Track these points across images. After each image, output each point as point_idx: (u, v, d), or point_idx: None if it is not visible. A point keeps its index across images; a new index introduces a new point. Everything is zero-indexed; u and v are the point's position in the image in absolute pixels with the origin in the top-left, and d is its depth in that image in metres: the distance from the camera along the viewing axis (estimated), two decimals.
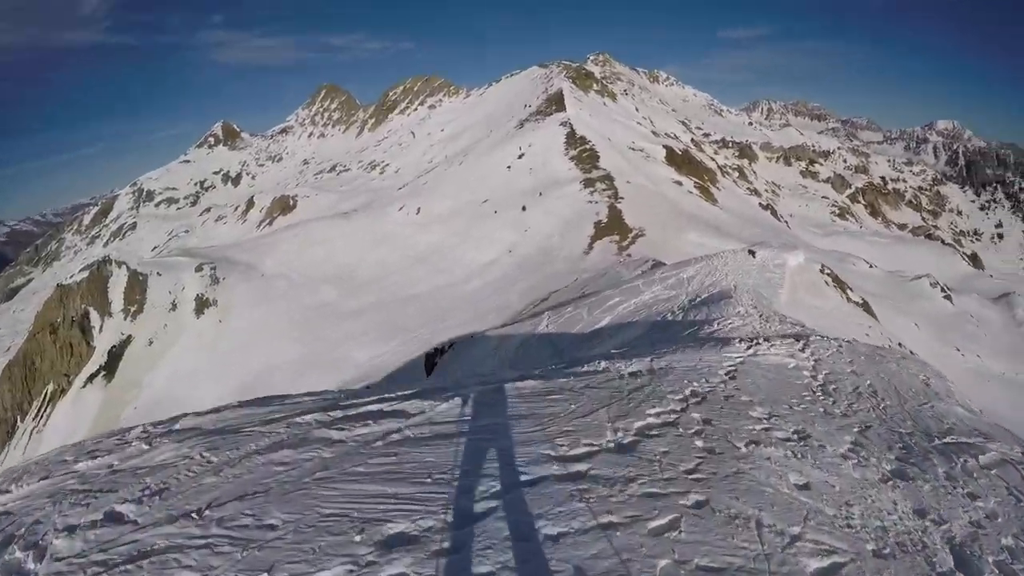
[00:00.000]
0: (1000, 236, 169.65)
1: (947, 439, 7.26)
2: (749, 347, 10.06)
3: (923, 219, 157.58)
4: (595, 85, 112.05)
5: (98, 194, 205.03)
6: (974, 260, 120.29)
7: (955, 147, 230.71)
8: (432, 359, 26.25)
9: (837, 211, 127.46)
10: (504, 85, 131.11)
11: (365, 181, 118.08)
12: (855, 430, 6.86)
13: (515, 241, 54.15)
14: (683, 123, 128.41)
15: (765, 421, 6.45)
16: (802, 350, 10.64)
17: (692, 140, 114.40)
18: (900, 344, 32.97)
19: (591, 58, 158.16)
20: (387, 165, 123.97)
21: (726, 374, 8.17)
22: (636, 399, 6.55)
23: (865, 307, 35.30)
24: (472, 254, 55.45)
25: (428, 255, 58.83)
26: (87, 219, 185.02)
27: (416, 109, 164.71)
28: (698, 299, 22.42)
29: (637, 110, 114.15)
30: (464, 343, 26.77)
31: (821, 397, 7.93)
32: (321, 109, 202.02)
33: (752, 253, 30.18)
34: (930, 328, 55.66)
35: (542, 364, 19.81)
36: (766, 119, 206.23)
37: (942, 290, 67.13)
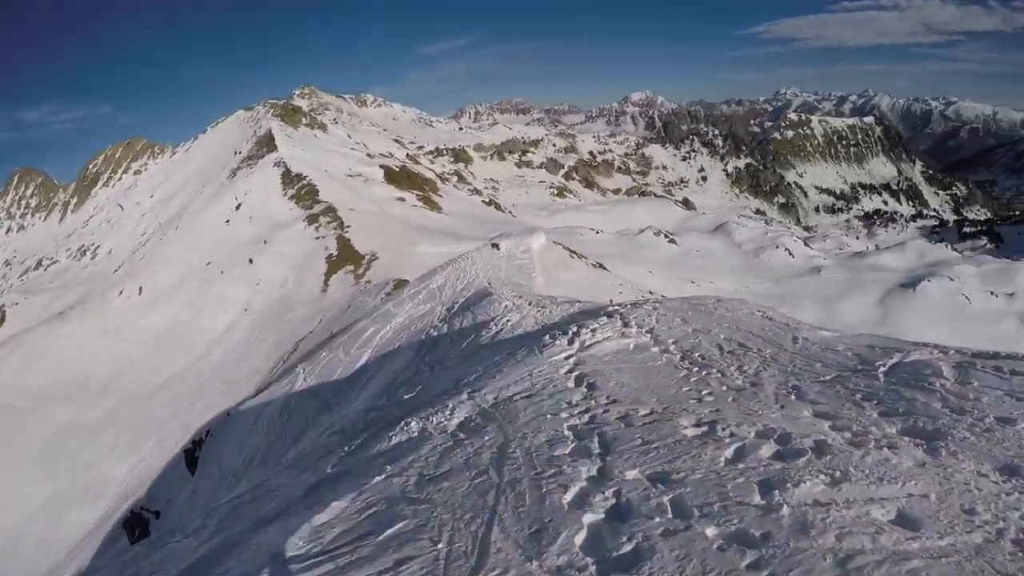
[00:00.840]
0: (704, 179, 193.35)
1: (870, 364, 6.71)
2: (570, 340, 9.00)
3: (634, 180, 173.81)
4: (304, 119, 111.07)
5: None
6: (687, 204, 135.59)
7: (651, 113, 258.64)
8: (192, 455, 24.22)
9: (556, 191, 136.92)
10: (211, 136, 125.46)
11: (77, 271, 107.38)
12: (785, 394, 5.90)
13: (249, 298, 52.08)
14: (396, 141, 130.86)
15: (693, 427, 5.05)
16: (627, 325, 9.85)
17: (407, 155, 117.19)
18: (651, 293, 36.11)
19: (297, 92, 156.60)
20: (98, 247, 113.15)
21: (577, 383, 6.94)
22: (518, 477, 4.48)
23: (601, 267, 38.55)
24: (208, 323, 52.50)
25: (163, 336, 54.65)
26: None
27: (120, 178, 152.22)
28: (456, 306, 22.04)
29: (349, 136, 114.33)
30: (220, 426, 24.98)
31: (701, 372, 7.02)
32: (16, 198, 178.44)
33: (496, 246, 30.86)
34: (664, 270, 61.43)
35: (313, 422, 19.09)
36: (475, 122, 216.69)
37: (665, 236, 74.89)
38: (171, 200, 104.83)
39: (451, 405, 6.93)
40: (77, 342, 59.27)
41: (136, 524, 23.40)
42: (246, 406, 25.57)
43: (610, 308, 12.53)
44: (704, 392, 6.19)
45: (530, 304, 17.43)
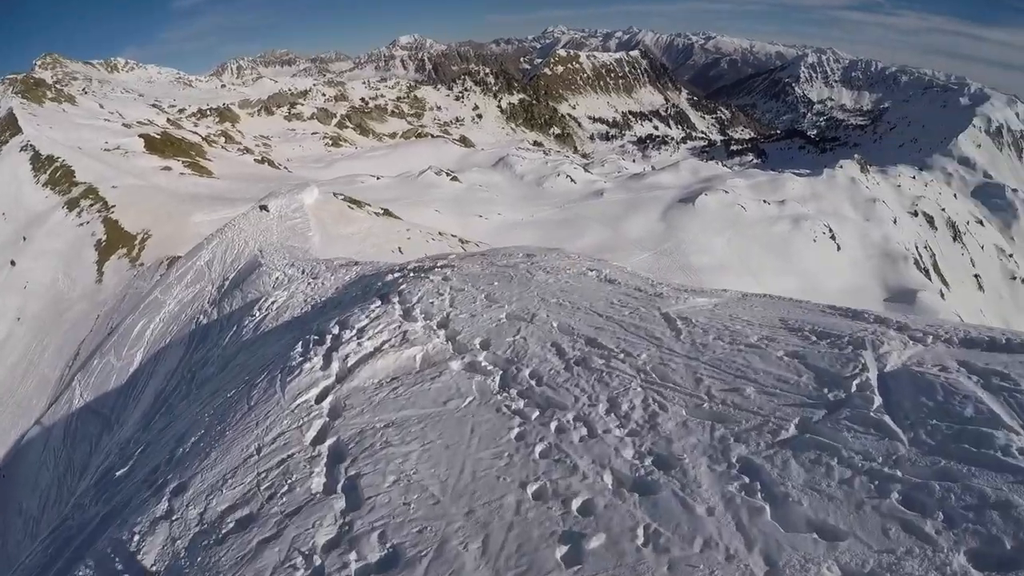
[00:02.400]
0: (480, 116, 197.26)
1: (837, 383, 4.75)
2: (328, 355, 6.63)
3: (409, 123, 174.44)
4: (49, 92, 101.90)
5: None
6: (464, 142, 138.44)
7: (420, 56, 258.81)
8: None
9: (331, 141, 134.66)
10: None
11: None
12: (738, 499, 3.60)
13: (20, 305, 47.93)
14: (155, 106, 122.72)
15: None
16: (410, 314, 7.58)
17: (168, 120, 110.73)
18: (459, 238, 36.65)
19: (38, 63, 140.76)
20: None
21: (328, 482, 4.32)
22: None
23: (388, 214, 38.68)
24: None
25: None
26: None
27: None
28: (226, 283, 20.48)
29: (102, 107, 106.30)
30: (11, 464, 22.37)
31: (546, 423, 4.76)
32: None
33: (264, 208, 29.17)
34: (451, 208, 63.02)
35: (96, 447, 17.48)
36: (238, 78, 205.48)
37: (447, 174, 76.96)
38: None
39: (129, 540, 4.20)
40: None
41: None
42: (32, 434, 22.94)
43: (389, 278, 10.31)
44: (572, 497, 3.79)
45: (303, 273, 16.52)
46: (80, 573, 4.15)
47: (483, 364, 6.07)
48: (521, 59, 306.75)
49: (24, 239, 55.58)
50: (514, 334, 6.66)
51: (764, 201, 70.47)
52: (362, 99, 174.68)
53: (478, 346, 6.51)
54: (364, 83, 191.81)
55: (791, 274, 56.93)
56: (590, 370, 5.57)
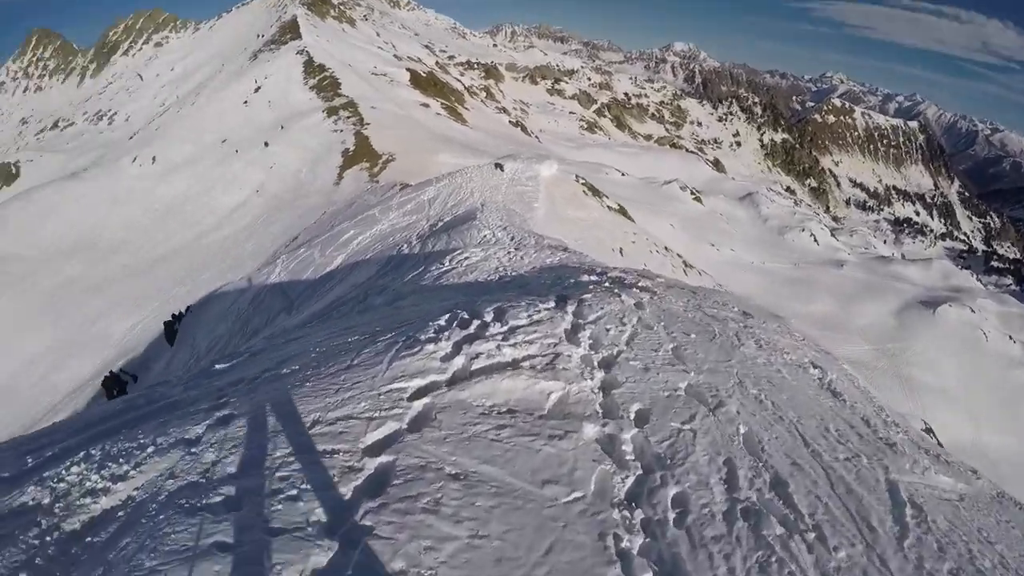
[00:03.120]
0: (738, 144, 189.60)
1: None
2: (456, 346, 5.12)
3: (667, 130, 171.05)
4: (332, 11, 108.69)
5: None
6: (717, 165, 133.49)
7: (692, 67, 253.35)
8: (172, 327, 24.41)
9: (585, 125, 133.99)
10: (235, 16, 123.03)
11: (93, 135, 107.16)
12: None
13: (262, 180, 52.00)
14: (427, 47, 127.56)
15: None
16: (573, 337, 5.72)
17: (437, 63, 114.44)
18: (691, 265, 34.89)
19: None
20: (115, 113, 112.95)
21: (365, 500, 3.29)
22: None
23: (622, 212, 36.66)
24: (219, 199, 52.62)
25: (174, 207, 55.05)
26: None
27: (141, 49, 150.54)
28: (440, 223, 20.57)
29: (378, 35, 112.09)
30: (200, 304, 24.95)
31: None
32: (34, 59, 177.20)
33: (500, 167, 28.58)
34: (684, 227, 60.18)
35: (272, 321, 18.55)
36: (510, 42, 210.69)
37: (692, 193, 73.44)
38: (192, 75, 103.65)
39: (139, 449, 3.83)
40: (88, 204, 59.60)
41: (114, 385, 23.72)
42: (228, 289, 25.37)
43: (584, 278, 8.44)
44: None
45: (510, 240, 15.85)
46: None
47: (624, 449, 4.22)
48: (793, 97, 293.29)
49: (282, 128, 59.00)
50: (684, 421, 4.62)
51: (1010, 337, 60.18)
52: (625, 94, 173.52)
53: (632, 416, 4.59)
54: (631, 79, 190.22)
55: (1015, 435, 47.06)
56: (757, 538, 3.57)
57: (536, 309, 6.04)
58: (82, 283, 49.05)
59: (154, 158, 63.58)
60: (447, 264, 12.75)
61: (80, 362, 37.38)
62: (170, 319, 25.41)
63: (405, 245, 18.61)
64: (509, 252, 13.54)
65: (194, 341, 22.28)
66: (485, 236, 16.41)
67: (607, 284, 7.93)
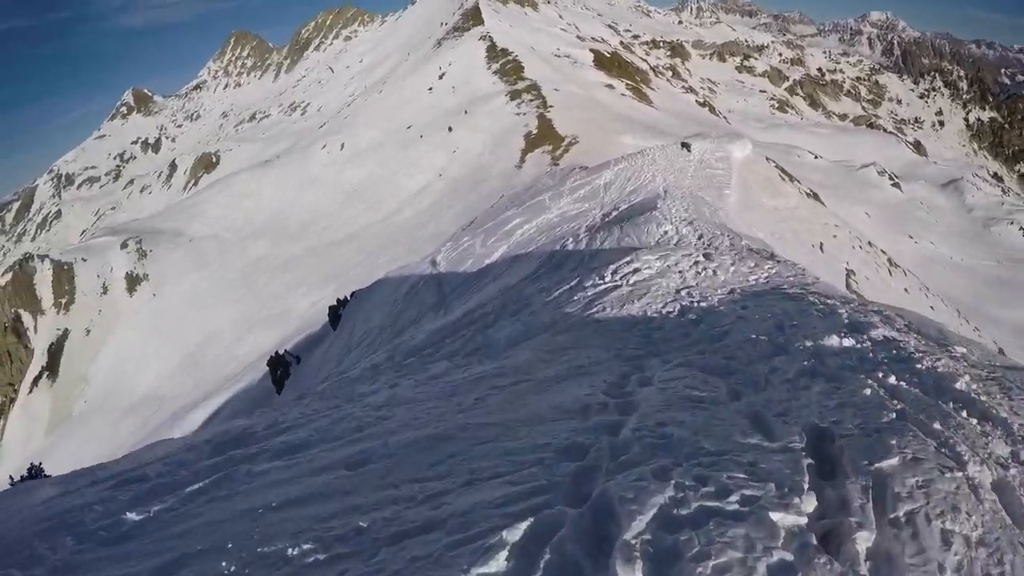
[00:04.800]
0: (941, 124, 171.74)
1: None
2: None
3: (863, 109, 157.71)
4: None
5: (20, 188, 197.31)
6: (917, 148, 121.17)
7: (890, 38, 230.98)
8: (336, 311, 23.84)
9: (776, 104, 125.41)
10: (419, 6, 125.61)
11: (287, 125, 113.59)
12: None
13: (444, 164, 51.80)
14: (610, 27, 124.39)
15: None
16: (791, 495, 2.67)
17: (621, 43, 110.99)
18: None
19: None
20: (308, 105, 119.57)
21: None
22: None
23: (815, 198, 32.87)
24: (402, 183, 53.10)
25: (358, 191, 56.26)
26: (9, 216, 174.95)
27: (331, 43, 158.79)
28: (614, 213, 17.95)
29: (561, 17, 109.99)
30: (364, 291, 23.89)
31: None
32: (233, 58, 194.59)
33: (686, 147, 25.65)
34: (881, 216, 55.14)
35: (424, 316, 17.17)
36: (696, 18, 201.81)
37: (890, 178, 66.49)
38: (380, 66, 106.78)
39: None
40: (279, 188, 62.36)
41: (279, 365, 23.67)
42: (391, 276, 24.11)
43: (835, 342, 5.31)
44: None
45: (699, 238, 12.59)
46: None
47: None
48: (1003, 70, 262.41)
49: (465, 112, 58.51)
50: None
51: None
52: (819, 69, 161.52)
53: None
54: (825, 53, 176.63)
55: None
56: None
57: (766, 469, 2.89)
58: (270, 262, 51.03)
59: (342, 145, 65.18)
60: (609, 278, 9.95)
61: (261, 336, 38.45)
62: (335, 303, 24.65)
63: (571, 239, 16.39)
64: (696, 262, 10.18)
65: (352, 328, 21.51)
66: (666, 232, 13.82)
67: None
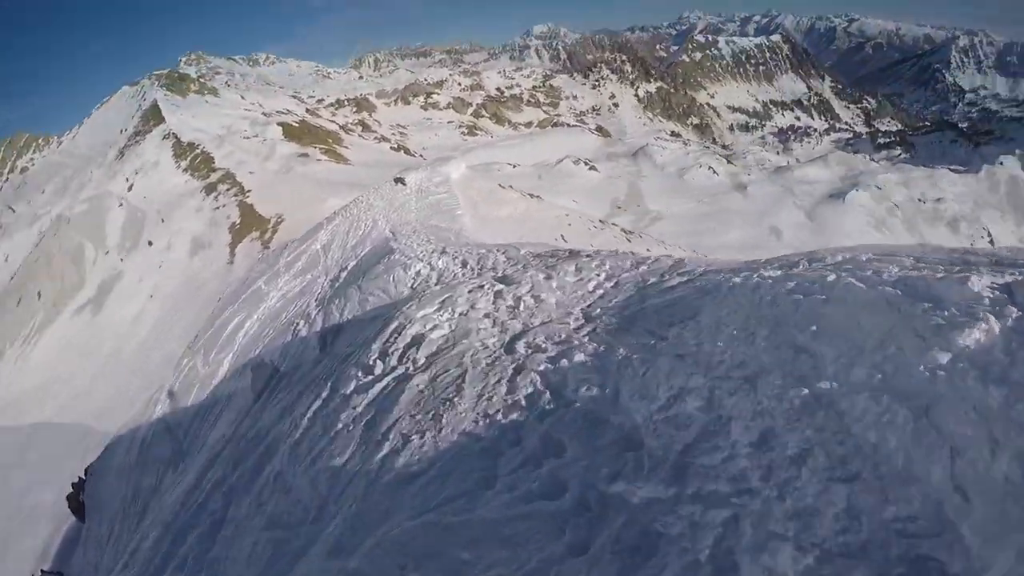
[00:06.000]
0: (615, 105, 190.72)
1: None
2: None
3: (545, 113, 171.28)
4: (193, 85, 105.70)
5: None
6: (601, 131, 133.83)
7: (555, 45, 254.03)
8: (77, 498, 18.45)
9: (466, 131, 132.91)
10: (96, 117, 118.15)
11: None
12: None
13: (155, 283, 49.38)
14: (294, 96, 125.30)
15: None
16: None
17: (307, 110, 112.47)
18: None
19: (183, 60, 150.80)
20: None
21: None
22: None
23: (538, 199, 35.16)
24: (116, 312, 49.81)
25: (68, 346, 51.27)
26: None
27: (7, 179, 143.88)
28: (343, 274, 15.89)
29: (243, 98, 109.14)
30: (101, 462, 18.31)
31: None
32: None
33: (400, 181, 25.61)
34: (587, 198, 60.44)
35: (163, 476, 13.72)
36: (375, 70, 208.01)
37: (585, 163, 73.61)
38: (63, 192, 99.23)
39: None
40: None
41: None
42: (125, 430, 19.55)
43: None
44: None
45: (464, 266, 10.82)
46: None
47: None
48: (657, 47, 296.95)
49: (163, 221, 56.62)
50: None
51: (920, 200, 63.55)
52: (497, 88, 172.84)
53: None
54: (499, 73, 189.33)
55: None
56: None
57: None
58: (4, 448, 45.65)
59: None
60: (382, 365, 6.37)
61: (20, 545, 33.03)
62: (72, 490, 19.14)
63: (301, 322, 13.80)
64: (498, 292, 7.55)
65: (102, 509, 16.45)
66: (419, 273, 11.66)
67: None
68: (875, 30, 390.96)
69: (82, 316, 51.68)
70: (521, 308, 6.75)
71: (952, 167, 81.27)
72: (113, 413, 38.45)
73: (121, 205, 64.88)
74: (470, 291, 7.73)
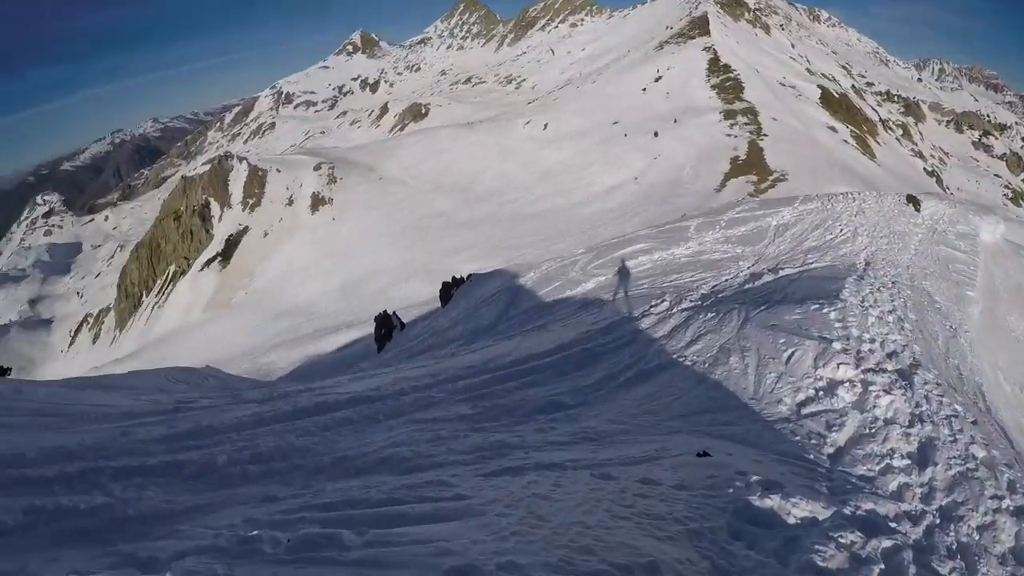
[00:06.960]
0: None
1: None
2: None
3: None
4: (747, 14, 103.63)
5: (245, 96, 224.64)
6: None
7: None
8: (448, 290, 22.28)
9: (1011, 194, 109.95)
10: (649, 7, 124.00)
11: (500, 95, 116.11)
12: None
13: (643, 168, 50.41)
14: (843, 67, 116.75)
15: None
16: None
17: (852, 86, 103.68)
18: None
19: None
20: (523, 80, 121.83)
21: None
22: None
23: None
24: (597, 177, 52.27)
25: (551, 174, 56.19)
26: (229, 118, 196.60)
27: (557, 27, 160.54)
28: (768, 276, 11.20)
29: (792, 46, 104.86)
30: (478, 278, 20.96)
31: None
32: (460, 22, 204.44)
33: (914, 202, 19.46)
34: None
35: (476, 338, 14.35)
36: (937, 79, 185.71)
37: None
38: (600, 58, 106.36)
39: None
40: (475, 151, 63.32)
41: (385, 324, 22.51)
42: (509, 268, 21.08)
43: None
44: None
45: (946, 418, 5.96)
46: None
47: None
48: None
49: (675, 121, 56.88)
50: None
51: None
52: None
53: None
54: None
55: None
56: None
57: None
58: (448, 219, 52.06)
59: (546, 125, 65.37)
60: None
61: (416, 286, 38.89)
62: (450, 282, 22.79)
63: (663, 304, 10.44)
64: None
65: (449, 315, 18.99)
66: (842, 358, 6.91)
67: None
68: None
69: (573, 161, 54.85)
70: None
71: None
72: (555, 242, 40.91)
73: (645, 91, 67.15)
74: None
